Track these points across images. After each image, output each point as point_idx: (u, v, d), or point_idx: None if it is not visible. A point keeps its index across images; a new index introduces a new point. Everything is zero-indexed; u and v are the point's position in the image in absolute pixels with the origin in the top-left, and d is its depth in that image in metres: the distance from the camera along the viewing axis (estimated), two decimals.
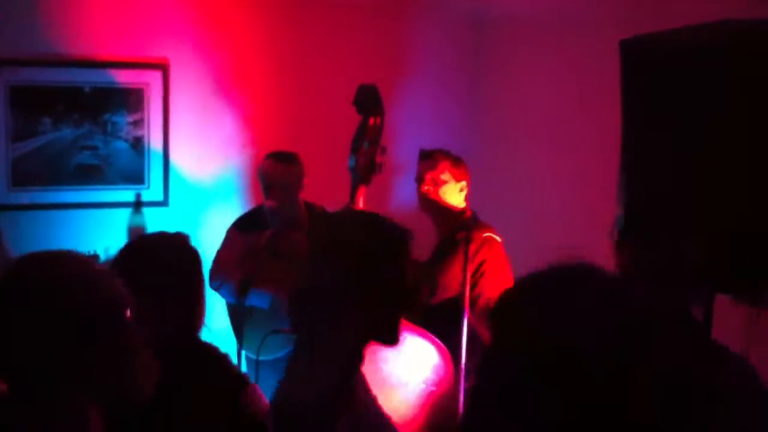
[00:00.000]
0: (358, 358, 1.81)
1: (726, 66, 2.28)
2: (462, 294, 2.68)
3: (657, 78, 2.55)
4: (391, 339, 1.84)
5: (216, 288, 3.72)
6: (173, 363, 1.99)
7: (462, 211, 3.15)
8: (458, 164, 3.20)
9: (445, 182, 3.16)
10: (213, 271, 3.75)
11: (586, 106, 3.94)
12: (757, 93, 2.24)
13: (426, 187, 3.21)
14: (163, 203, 4.43)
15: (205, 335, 2.34)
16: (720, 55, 2.27)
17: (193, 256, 2.22)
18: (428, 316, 2.94)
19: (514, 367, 1.19)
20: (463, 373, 2.51)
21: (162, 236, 2.33)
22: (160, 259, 2.15)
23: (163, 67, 4.34)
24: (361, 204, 2.67)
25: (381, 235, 1.80)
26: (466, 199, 3.23)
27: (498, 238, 3.11)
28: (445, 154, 3.23)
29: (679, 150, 2.47)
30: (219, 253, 3.83)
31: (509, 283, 3.15)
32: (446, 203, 3.18)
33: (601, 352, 1.17)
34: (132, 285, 1.75)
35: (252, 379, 3.80)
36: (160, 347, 1.96)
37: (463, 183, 3.18)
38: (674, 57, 2.44)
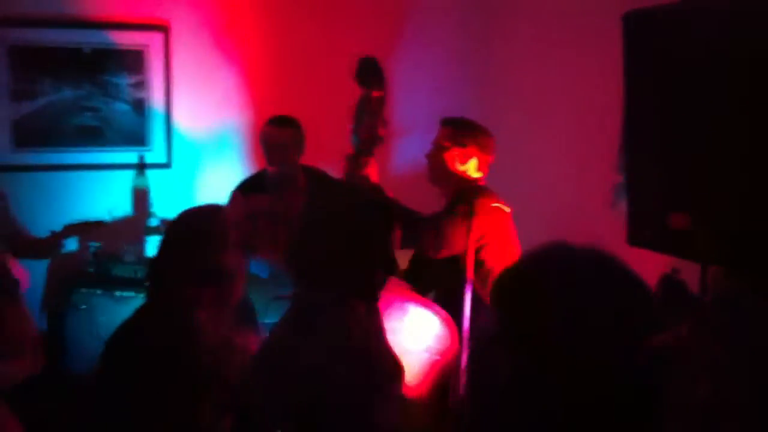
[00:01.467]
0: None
1: (726, 34, 2.30)
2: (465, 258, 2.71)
3: (658, 49, 2.56)
4: (373, 298, 2.05)
5: None
6: None
7: (469, 180, 3.14)
8: (464, 132, 3.16)
9: (446, 148, 3.16)
10: None
11: (588, 75, 3.95)
12: (756, 63, 2.26)
13: (429, 153, 3.22)
14: (167, 165, 4.46)
15: None
16: (719, 24, 2.29)
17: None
18: (436, 278, 2.99)
19: (525, 352, 1.24)
20: (466, 340, 2.56)
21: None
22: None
23: (164, 29, 4.32)
24: (370, 174, 2.70)
25: (368, 213, 2.04)
26: (481, 170, 3.20)
27: (506, 209, 3.11)
28: (450, 121, 3.21)
29: (678, 122, 2.50)
30: None
31: (514, 254, 3.19)
32: (447, 169, 3.17)
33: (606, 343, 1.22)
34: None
35: None
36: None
37: (469, 151, 3.14)
38: (675, 29, 2.46)
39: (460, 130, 3.16)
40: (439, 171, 3.18)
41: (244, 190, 3.89)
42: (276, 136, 3.76)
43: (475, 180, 3.15)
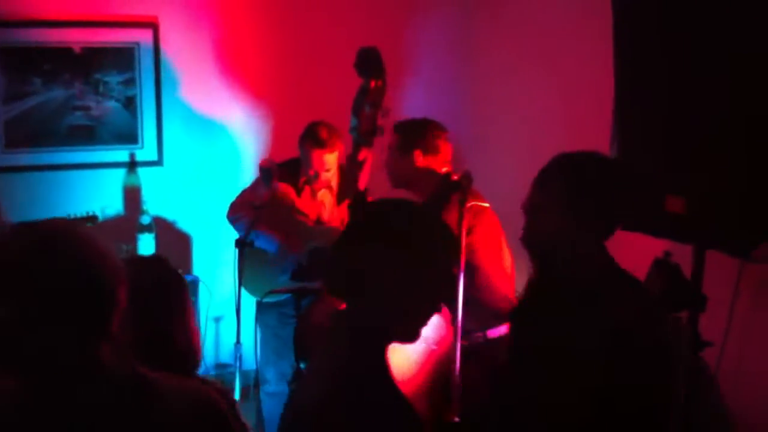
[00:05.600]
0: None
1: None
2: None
3: (648, 20, 2.55)
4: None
5: (233, 221, 3.73)
6: None
7: (437, 175, 3.16)
8: (411, 130, 3.21)
9: (393, 148, 3.21)
10: (234, 205, 3.76)
11: (577, 55, 3.93)
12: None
13: (385, 159, 3.26)
14: (158, 162, 4.44)
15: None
16: None
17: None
18: None
19: None
20: (459, 333, 2.56)
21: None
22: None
23: (153, 26, 4.30)
24: (365, 168, 2.69)
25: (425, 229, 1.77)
26: (444, 163, 3.21)
27: (484, 205, 3.09)
28: (399, 123, 3.26)
29: (672, 102, 2.48)
30: (244, 191, 3.81)
31: (499, 250, 3.18)
32: (402, 172, 3.21)
33: None
34: None
35: (253, 320, 3.81)
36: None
37: (415, 154, 3.18)
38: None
39: (406, 134, 3.21)
40: (395, 176, 3.22)
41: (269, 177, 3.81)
42: (329, 162, 3.64)
43: (445, 176, 3.16)
